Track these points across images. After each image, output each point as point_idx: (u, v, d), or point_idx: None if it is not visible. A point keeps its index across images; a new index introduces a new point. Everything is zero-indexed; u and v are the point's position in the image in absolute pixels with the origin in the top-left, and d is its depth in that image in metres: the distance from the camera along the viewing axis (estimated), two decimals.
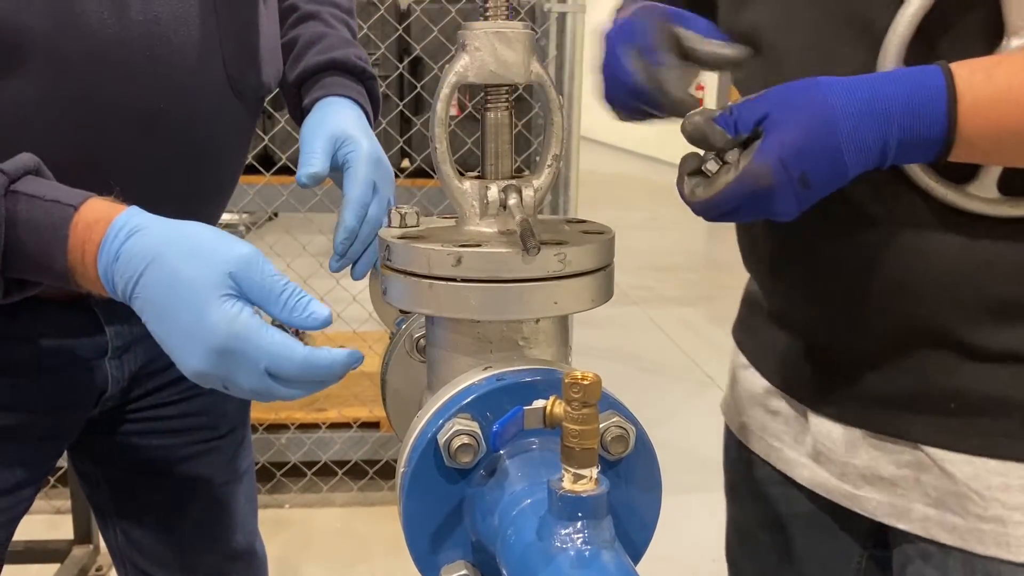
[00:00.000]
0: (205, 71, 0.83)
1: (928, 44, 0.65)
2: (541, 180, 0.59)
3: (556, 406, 0.46)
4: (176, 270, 0.60)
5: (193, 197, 0.90)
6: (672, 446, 3.15)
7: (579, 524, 0.44)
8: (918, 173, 0.68)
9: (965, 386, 0.71)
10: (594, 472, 0.44)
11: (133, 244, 0.62)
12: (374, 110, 1.02)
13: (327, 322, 0.61)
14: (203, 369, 0.61)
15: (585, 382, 0.44)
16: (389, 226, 0.61)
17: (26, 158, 0.67)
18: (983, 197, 0.68)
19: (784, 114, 0.61)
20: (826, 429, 0.81)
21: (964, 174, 0.67)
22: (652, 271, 5.99)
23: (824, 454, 0.82)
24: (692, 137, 0.66)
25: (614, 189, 10.66)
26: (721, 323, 4.65)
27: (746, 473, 0.95)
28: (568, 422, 0.44)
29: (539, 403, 0.47)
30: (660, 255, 6.58)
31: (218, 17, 0.83)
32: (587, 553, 0.44)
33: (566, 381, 0.44)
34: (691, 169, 0.68)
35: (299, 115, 1.01)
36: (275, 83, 0.97)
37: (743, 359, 0.96)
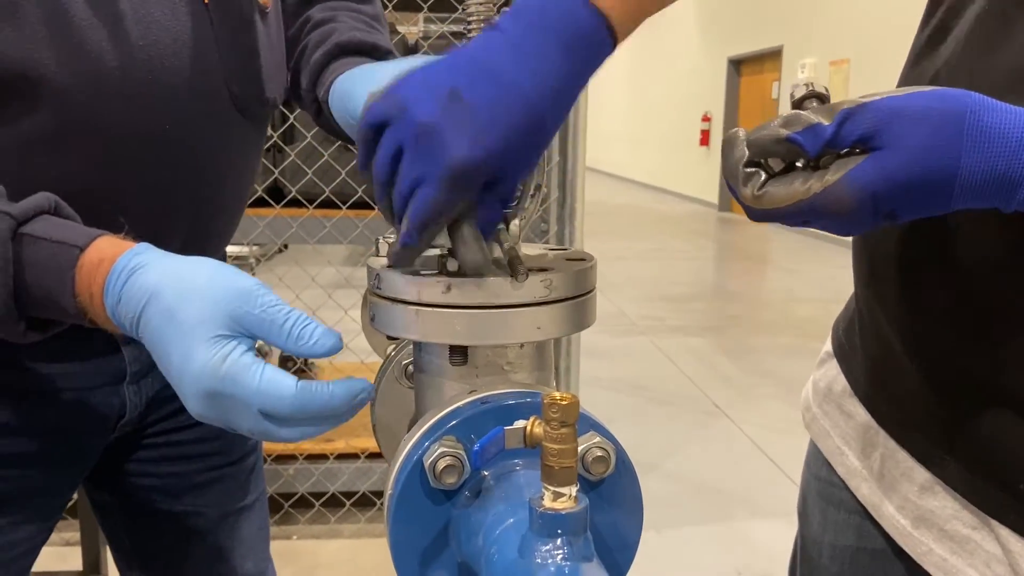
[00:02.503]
0: (207, 90, 0.83)
1: None
2: (525, 209, 0.61)
3: (536, 426, 0.48)
4: (171, 309, 0.59)
5: (203, 216, 0.91)
6: (682, 477, 3.15)
7: (559, 541, 0.45)
8: None
9: None
10: (573, 490, 0.46)
11: (132, 283, 0.61)
12: None
13: (335, 348, 0.59)
14: (199, 411, 0.61)
15: (563, 402, 0.45)
16: (377, 255, 0.63)
17: (40, 198, 0.67)
18: None
19: (901, 134, 0.50)
20: (902, 459, 0.73)
21: None
22: (660, 301, 6.00)
23: (888, 480, 0.76)
24: (757, 154, 0.55)
25: (622, 220, 10.71)
26: (729, 353, 4.64)
27: (820, 490, 0.88)
28: (547, 441, 0.45)
29: (520, 423, 0.49)
30: (668, 285, 6.59)
31: (216, 35, 0.83)
32: (567, 569, 0.45)
33: (545, 402, 0.45)
34: (753, 157, 0.56)
35: (318, 112, 0.96)
36: (281, 98, 0.96)
37: (830, 347, 0.87)
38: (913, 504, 0.73)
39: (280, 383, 0.58)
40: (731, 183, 0.57)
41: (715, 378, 4.31)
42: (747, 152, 0.55)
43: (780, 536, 2.68)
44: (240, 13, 0.86)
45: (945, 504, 0.70)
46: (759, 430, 3.59)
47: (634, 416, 3.71)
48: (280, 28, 0.96)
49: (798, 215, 0.54)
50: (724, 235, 9.91)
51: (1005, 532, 0.65)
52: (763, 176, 0.55)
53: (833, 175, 0.52)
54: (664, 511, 2.82)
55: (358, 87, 0.84)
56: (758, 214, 0.56)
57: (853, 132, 0.51)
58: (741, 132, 0.57)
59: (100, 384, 0.92)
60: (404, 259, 0.57)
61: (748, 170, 0.56)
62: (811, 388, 0.90)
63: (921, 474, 0.72)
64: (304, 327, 0.59)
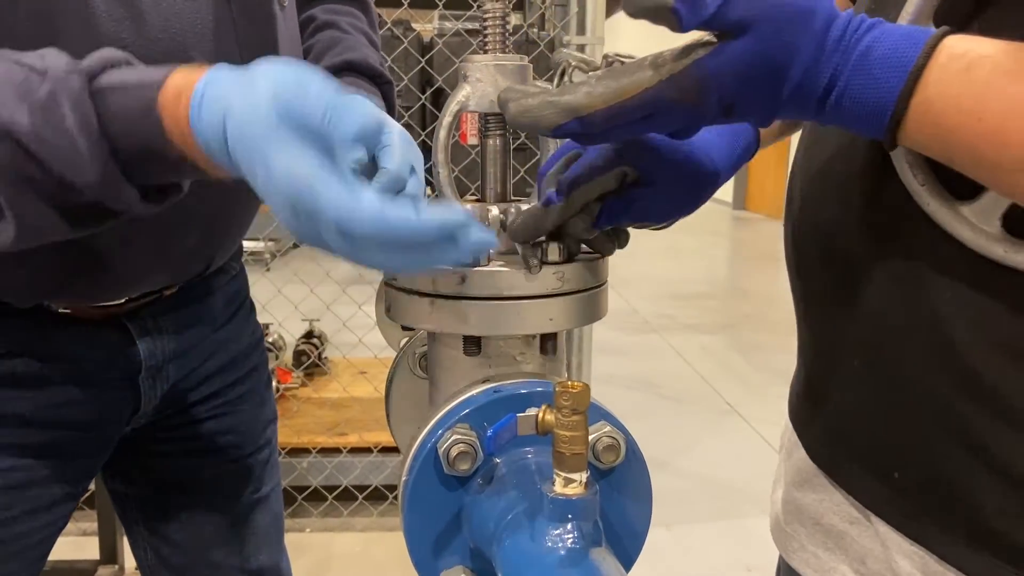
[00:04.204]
0: None
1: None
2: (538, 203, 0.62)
3: (547, 414, 0.49)
4: (241, 123, 0.55)
5: (221, 210, 0.92)
6: (693, 474, 3.15)
7: (569, 525, 0.46)
8: (903, 165, 0.57)
9: (935, 468, 0.60)
10: (583, 476, 0.47)
11: (207, 106, 0.57)
12: (390, 114, 1.03)
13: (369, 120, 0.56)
14: (291, 226, 0.55)
15: (575, 390, 0.46)
16: None
17: (107, 52, 0.62)
18: (975, 224, 0.55)
19: (776, 29, 0.49)
20: (797, 452, 0.73)
21: (968, 188, 0.54)
22: (673, 299, 5.99)
23: (782, 473, 0.76)
24: (632, 14, 0.50)
25: None
26: (741, 351, 4.60)
27: None
28: (559, 428, 0.47)
29: (532, 411, 0.50)
30: (681, 283, 6.58)
31: (236, 28, 0.83)
32: (576, 553, 0.46)
33: (557, 390, 0.47)
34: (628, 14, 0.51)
35: None
36: None
37: None
38: (793, 497, 0.72)
39: (357, 195, 0.52)
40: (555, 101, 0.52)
41: (727, 376, 4.31)
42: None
43: None
44: (262, 8, 0.87)
45: (824, 497, 0.69)
46: (771, 428, 3.59)
47: (646, 413, 3.71)
48: (296, 22, 0.98)
49: (641, 109, 0.50)
50: (738, 233, 9.88)
51: (884, 528, 0.64)
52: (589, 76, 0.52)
53: (680, 62, 0.50)
54: (675, 507, 2.82)
55: None
56: (599, 120, 0.51)
57: (732, 15, 0.49)
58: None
59: (116, 377, 0.93)
60: (531, 227, 0.58)
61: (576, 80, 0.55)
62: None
63: (808, 466, 0.71)
64: (390, 140, 0.57)
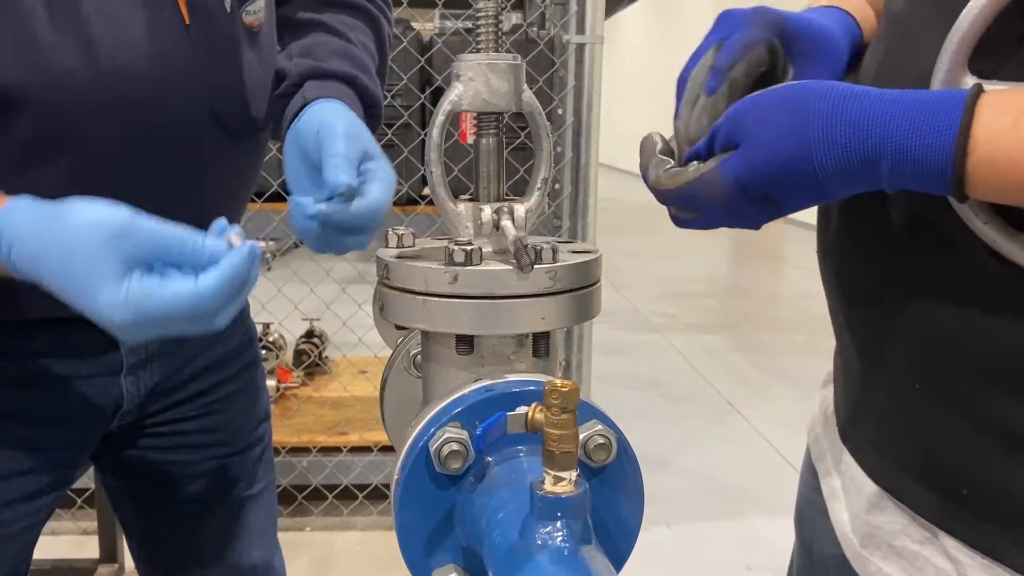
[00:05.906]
0: (186, 109, 0.84)
1: (1001, 50, 0.54)
2: (531, 202, 0.62)
3: (537, 412, 0.49)
4: (62, 273, 0.62)
5: (207, 214, 0.92)
6: (694, 473, 3.15)
7: (559, 523, 0.46)
8: (964, 208, 0.56)
9: (1005, 482, 0.60)
10: (573, 475, 0.47)
11: (17, 259, 0.64)
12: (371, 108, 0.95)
13: (250, 254, 0.62)
14: (132, 339, 0.63)
15: (564, 389, 0.47)
16: (387, 246, 0.64)
17: None
18: None
19: (754, 128, 0.57)
20: (856, 472, 0.73)
21: None
22: (674, 298, 5.99)
23: (846, 497, 0.75)
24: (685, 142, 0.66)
25: (638, 217, 10.68)
26: (743, 350, 4.59)
27: (810, 499, 0.86)
28: (548, 427, 0.47)
29: (522, 409, 0.50)
30: (682, 282, 6.58)
31: (196, 57, 0.83)
32: (566, 550, 0.46)
33: (546, 388, 0.47)
34: (663, 149, 0.66)
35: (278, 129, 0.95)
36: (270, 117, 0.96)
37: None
38: (863, 521, 0.71)
39: (191, 291, 0.60)
40: (642, 166, 0.66)
41: (729, 375, 4.30)
42: (659, 144, 0.66)
43: (790, 533, 2.67)
44: (224, 36, 0.87)
45: (893, 519, 0.68)
46: (772, 427, 3.58)
47: (647, 413, 3.71)
48: (274, 44, 0.96)
49: (683, 199, 0.62)
50: (739, 233, 9.82)
51: (952, 544, 0.63)
52: (669, 164, 0.64)
53: (708, 165, 0.60)
54: (676, 507, 2.82)
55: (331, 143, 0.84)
56: (659, 197, 0.65)
57: (720, 142, 0.59)
58: (656, 135, 0.68)
59: (97, 375, 0.94)
60: (707, 117, 0.65)
61: (663, 157, 0.65)
62: (816, 409, 0.88)
63: (870, 487, 0.70)
64: (194, 246, 0.62)
